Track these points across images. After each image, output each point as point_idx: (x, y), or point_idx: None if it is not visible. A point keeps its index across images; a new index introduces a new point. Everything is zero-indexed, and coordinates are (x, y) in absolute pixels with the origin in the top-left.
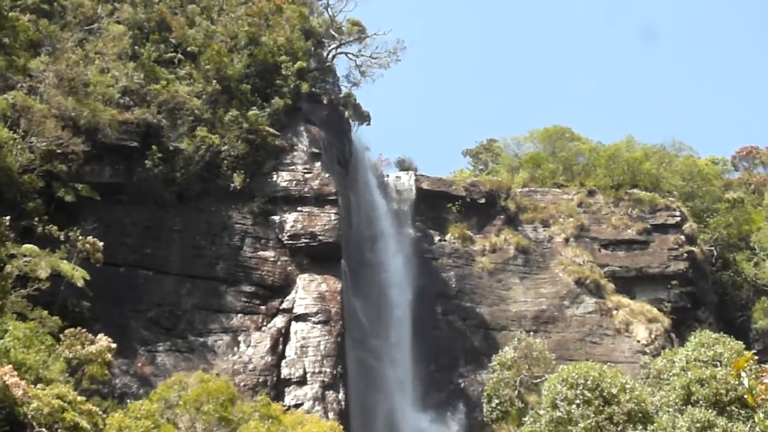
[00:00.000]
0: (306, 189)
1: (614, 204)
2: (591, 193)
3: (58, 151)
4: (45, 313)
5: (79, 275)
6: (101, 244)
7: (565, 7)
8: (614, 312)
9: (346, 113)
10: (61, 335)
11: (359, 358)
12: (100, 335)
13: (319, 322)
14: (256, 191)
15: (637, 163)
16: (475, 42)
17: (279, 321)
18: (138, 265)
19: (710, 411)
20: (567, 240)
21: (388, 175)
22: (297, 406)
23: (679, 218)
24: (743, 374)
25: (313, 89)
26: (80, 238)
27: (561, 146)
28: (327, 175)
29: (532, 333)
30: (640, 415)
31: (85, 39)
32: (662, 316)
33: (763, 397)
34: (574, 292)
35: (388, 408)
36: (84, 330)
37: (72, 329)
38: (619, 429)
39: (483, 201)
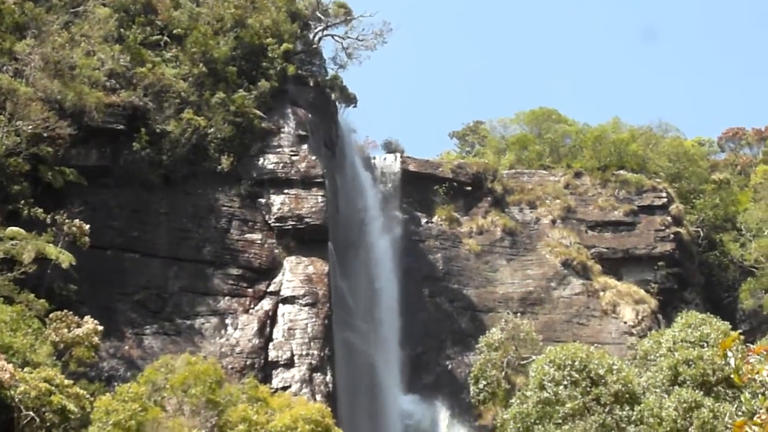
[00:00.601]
0: (293, 171)
1: (601, 185)
2: (577, 175)
3: (44, 134)
4: (32, 296)
5: (65, 258)
6: (88, 227)
7: None
8: (601, 293)
9: (333, 95)
10: (47, 318)
11: (346, 340)
12: (86, 318)
13: (306, 305)
14: (243, 174)
15: (623, 145)
16: (461, 24)
17: (266, 303)
18: (125, 248)
19: (697, 391)
20: (554, 222)
21: (374, 158)
22: (284, 388)
23: (665, 199)
24: (730, 354)
25: (300, 72)
26: (67, 221)
27: (547, 128)
28: (314, 157)
29: (519, 314)
30: (627, 395)
31: (70, 22)
32: (649, 297)
33: (750, 376)
34: (561, 274)
35: (376, 390)
36: (71, 313)
37: (58, 312)
38: (606, 410)
39: (470, 183)
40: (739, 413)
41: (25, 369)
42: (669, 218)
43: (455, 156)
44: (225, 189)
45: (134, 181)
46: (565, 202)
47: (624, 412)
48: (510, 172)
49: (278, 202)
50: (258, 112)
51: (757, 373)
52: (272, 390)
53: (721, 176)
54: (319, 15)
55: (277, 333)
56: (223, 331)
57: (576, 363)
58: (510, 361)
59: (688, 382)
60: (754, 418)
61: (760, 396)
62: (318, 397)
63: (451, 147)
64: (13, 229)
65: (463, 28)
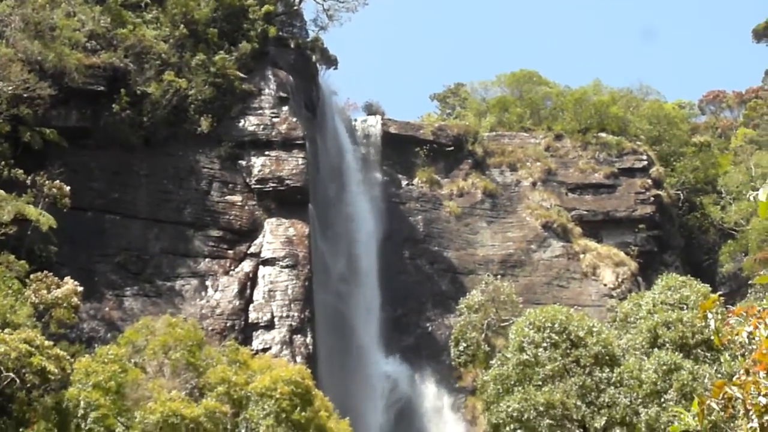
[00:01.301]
0: (273, 133)
1: (581, 148)
2: (558, 137)
3: (25, 95)
4: (12, 257)
5: (45, 220)
6: (68, 188)
7: None
8: (581, 256)
9: (314, 57)
10: (27, 280)
11: (327, 302)
12: (66, 279)
13: (286, 267)
14: (224, 135)
15: (604, 107)
16: None
17: (246, 265)
18: (105, 209)
19: (677, 353)
20: (534, 184)
21: (355, 120)
22: (265, 350)
23: (646, 162)
24: (709, 316)
25: (281, 33)
26: (47, 182)
27: (528, 90)
28: (294, 119)
29: (499, 277)
30: (606, 357)
31: None
32: (629, 259)
33: (729, 338)
34: (541, 236)
35: (356, 352)
36: (51, 274)
37: (39, 273)
38: (585, 372)
39: (450, 145)
40: (719, 375)
41: (5, 330)
42: (649, 181)
43: (436, 118)
44: (206, 151)
45: (115, 142)
46: (545, 165)
47: (603, 374)
48: (491, 135)
49: (259, 163)
50: (239, 74)
51: (737, 334)
52: (252, 352)
53: (702, 139)
54: None
55: (258, 295)
56: (203, 293)
57: (556, 325)
58: (490, 324)
59: (667, 345)
60: (734, 379)
61: (739, 357)
62: (298, 358)
63: (432, 109)
64: None
65: None
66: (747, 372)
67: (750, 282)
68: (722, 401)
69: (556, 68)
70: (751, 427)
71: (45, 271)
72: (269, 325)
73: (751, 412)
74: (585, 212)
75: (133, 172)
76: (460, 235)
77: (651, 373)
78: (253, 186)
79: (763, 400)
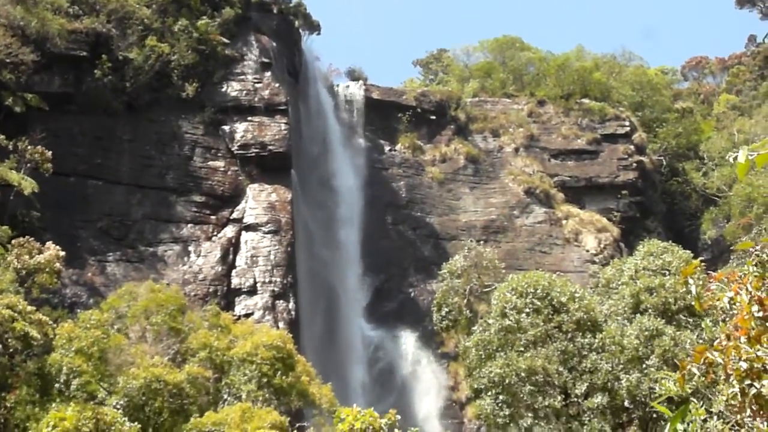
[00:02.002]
0: (256, 99)
1: (564, 114)
2: (541, 103)
3: (7, 60)
4: None
5: (28, 185)
6: (50, 153)
7: None
8: (564, 221)
9: (296, 23)
10: (9, 245)
11: (309, 268)
12: (49, 244)
13: (269, 232)
14: (206, 101)
15: (587, 73)
16: None
17: (229, 231)
18: (88, 174)
19: (658, 319)
20: (517, 150)
21: (338, 85)
22: (247, 315)
23: (628, 128)
24: (691, 282)
25: None
26: (29, 147)
27: (511, 56)
28: (277, 84)
29: (481, 242)
30: (588, 323)
31: None
32: (611, 225)
33: (710, 304)
34: (523, 202)
35: (338, 317)
36: (33, 239)
37: (21, 239)
38: (567, 337)
39: (433, 111)
40: (701, 340)
41: None
42: (632, 147)
43: (419, 84)
44: (188, 116)
45: (97, 108)
46: (528, 131)
47: (586, 340)
48: (473, 101)
49: (241, 129)
50: (221, 39)
51: (718, 300)
52: (235, 317)
53: (684, 105)
54: None
55: (240, 260)
56: (185, 258)
57: (538, 291)
58: (472, 289)
59: (649, 310)
60: (715, 344)
61: (720, 323)
62: (280, 324)
63: (415, 75)
64: None
65: None
66: (728, 337)
67: (732, 248)
68: (703, 366)
69: (539, 34)
70: (731, 393)
71: (27, 237)
72: (252, 291)
73: (731, 378)
74: (567, 178)
75: (115, 137)
76: (443, 201)
77: (633, 339)
78: (235, 151)
79: (743, 365)
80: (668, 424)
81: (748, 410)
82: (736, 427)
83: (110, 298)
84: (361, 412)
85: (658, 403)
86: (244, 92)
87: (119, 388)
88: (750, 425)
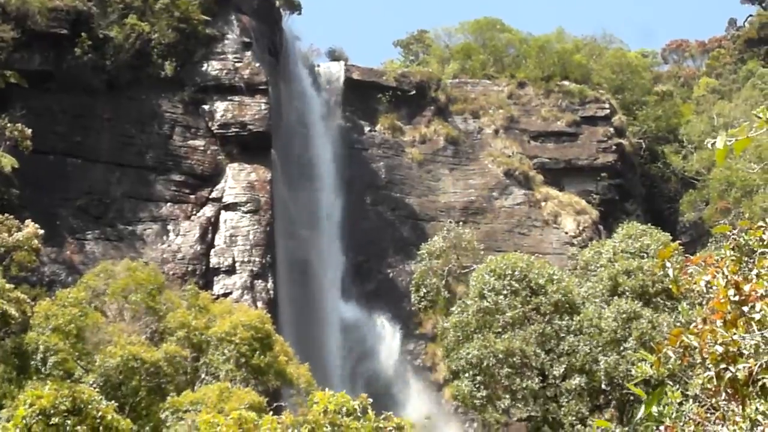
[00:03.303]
0: (236, 78)
1: (544, 96)
2: (521, 85)
3: None
4: None
5: (7, 162)
6: (30, 131)
7: None
8: (543, 203)
9: (277, 2)
10: None
11: (288, 247)
12: (27, 222)
13: (248, 212)
14: (187, 80)
15: (567, 55)
16: None
17: (208, 210)
18: (67, 153)
19: (636, 302)
20: (497, 131)
21: (318, 65)
22: (226, 295)
23: (608, 110)
24: (668, 264)
25: None
26: (9, 125)
27: (491, 38)
28: (257, 64)
29: (461, 223)
30: (566, 305)
31: None
32: (590, 207)
33: (688, 287)
34: (503, 184)
35: (317, 298)
36: (12, 217)
37: None
38: (545, 319)
39: (413, 92)
40: (678, 323)
41: None
42: (611, 129)
43: (399, 65)
44: (168, 95)
45: (77, 86)
46: (508, 112)
47: (563, 322)
48: (454, 82)
49: (221, 108)
50: (202, 18)
51: (695, 283)
52: (213, 296)
53: (664, 88)
54: None
55: (219, 240)
56: (164, 237)
57: (516, 272)
58: (451, 270)
59: (627, 293)
60: (691, 328)
61: (697, 306)
62: (259, 304)
63: (395, 56)
64: None
65: None
66: (704, 321)
67: (710, 231)
68: (679, 350)
69: (519, 16)
70: (707, 376)
71: (6, 214)
72: (230, 270)
73: (707, 361)
74: (547, 160)
75: (95, 115)
76: (422, 182)
77: (610, 322)
78: (215, 131)
79: (719, 349)
80: (643, 407)
81: (723, 394)
82: (712, 410)
83: (87, 276)
84: (334, 395)
85: (634, 385)
86: (225, 72)
87: (96, 366)
88: (725, 408)
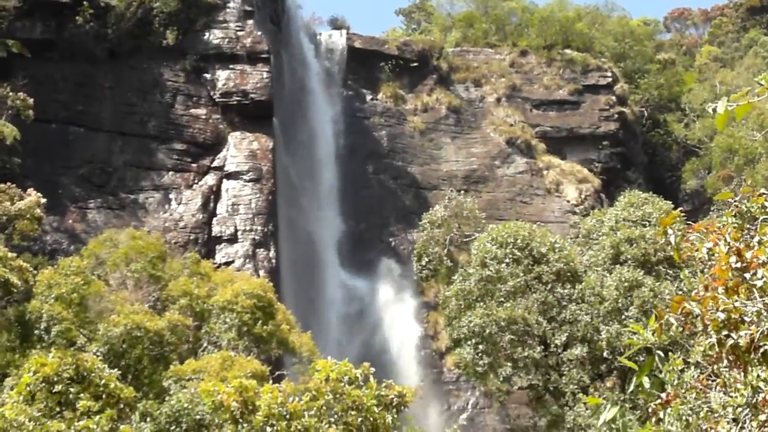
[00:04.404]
0: (238, 47)
1: (546, 64)
2: (523, 54)
3: None
4: None
5: (9, 131)
6: (32, 100)
7: None
8: (545, 172)
9: None
10: None
11: (290, 216)
12: (30, 191)
13: (250, 180)
14: (188, 49)
15: (569, 24)
16: None
17: (210, 179)
18: (69, 121)
19: (638, 270)
20: (499, 100)
21: (320, 34)
22: (228, 263)
23: (610, 79)
24: (670, 232)
25: None
26: (11, 94)
27: (494, 6)
28: (259, 33)
29: (462, 192)
30: (568, 274)
31: None
32: (592, 176)
33: (689, 254)
34: (505, 152)
35: (319, 266)
36: (14, 186)
37: (1, 185)
38: (547, 288)
39: (415, 60)
40: (680, 292)
41: None
42: (613, 98)
43: (401, 33)
44: (170, 64)
45: (79, 54)
46: (510, 81)
47: (565, 291)
48: (456, 50)
49: (223, 77)
50: None
51: (697, 250)
52: (215, 265)
53: (666, 56)
54: None
55: (221, 208)
56: (166, 206)
57: (518, 241)
58: (453, 239)
59: (629, 261)
60: (692, 295)
61: (699, 273)
62: (261, 272)
63: (398, 24)
64: None
65: None
66: (706, 288)
67: (712, 199)
68: (681, 317)
69: None
70: (709, 343)
71: (8, 183)
72: (232, 239)
73: (709, 328)
74: (549, 129)
75: (97, 84)
76: (424, 151)
77: (612, 290)
78: (217, 99)
79: (721, 316)
80: (635, 377)
81: (725, 361)
82: (713, 378)
83: (90, 244)
84: (336, 363)
85: (633, 353)
86: (226, 40)
87: (99, 335)
88: (726, 376)
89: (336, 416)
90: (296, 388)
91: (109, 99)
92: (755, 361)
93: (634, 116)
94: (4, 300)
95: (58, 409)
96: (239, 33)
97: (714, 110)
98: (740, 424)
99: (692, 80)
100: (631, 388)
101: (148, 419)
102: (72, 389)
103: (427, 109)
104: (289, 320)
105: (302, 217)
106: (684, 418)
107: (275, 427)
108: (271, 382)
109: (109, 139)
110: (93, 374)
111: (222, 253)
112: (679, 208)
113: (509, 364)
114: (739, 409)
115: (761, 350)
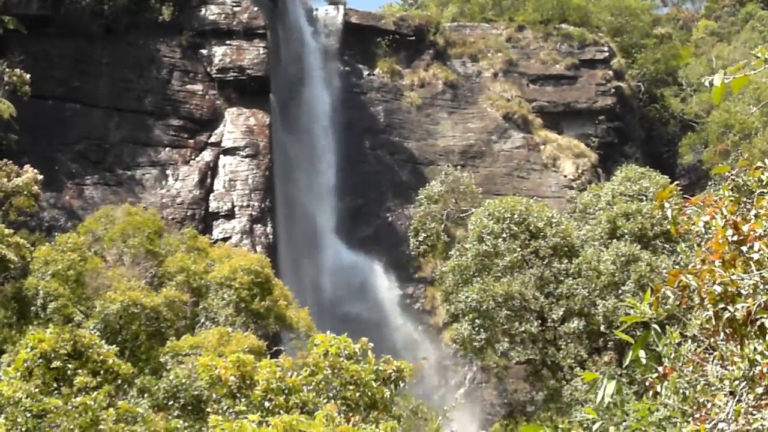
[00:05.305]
0: (235, 22)
1: (543, 39)
2: (520, 28)
3: None
4: None
5: (6, 108)
6: (28, 76)
7: None
8: (541, 147)
9: None
10: None
11: (287, 192)
12: (26, 167)
13: (247, 156)
14: (185, 24)
15: None
16: None
17: (207, 155)
18: (66, 98)
19: (635, 245)
20: (495, 75)
21: (317, 9)
22: (225, 239)
23: (607, 53)
24: (667, 205)
25: None
26: (7, 70)
27: None
28: (256, 8)
29: (459, 167)
30: (565, 248)
31: None
32: (589, 151)
33: (686, 228)
34: (501, 127)
35: (316, 242)
36: (11, 162)
37: None
38: (544, 263)
39: (412, 36)
40: (676, 266)
41: None
42: (610, 72)
43: (398, 8)
44: (166, 40)
45: (75, 30)
46: (506, 56)
47: (562, 265)
48: (452, 25)
49: (220, 53)
50: None
51: (693, 224)
52: (212, 241)
53: (663, 30)
54: None
55: (218, 184)
56: (163, 182)
57: (515, 216)
58: (450, 214)
59: (626, 236)
60: (689, 268)
61: (695, 247)
62: (258, 248)
63: None
64: None
65: None
66: (703, 261)
67: (709, 174)
68: (678, 290)
69: None
70: (706, 316)
71: (5, 159)
72: (229, 215)
73: (705, 301)
74: (546, 103)
75: (93, 60)
76: (421, 126)
77: (609, 265)
78: (214, 75)
79: (718, 289)
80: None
81: (722, 334)
82: (710, 351)
83: (87, 221)
84: (335, 338)
85: (630, 327)
86: (223, 16)
87: (96, 311)
88: (723, 349)
89: (334, 391)
90: (294, 363)
91: (105, 75)
92: (752, 334)
93: (631, 91)
94: (1, 276)
95: (55, 385)
96: (235, 9)
97: (711, 83)
98: (737, 397)
99: (689, 55)
100: (627, 361)
101: (146, 395)
102: (69, 365)
103: (424, 84)
104: (286, 296)
105: (299, 192)
106: (681, 391)
107: (273, 402)
108: (268, 357)
109: (105, 116)
110: (90, 350)
111: (219, 228)
112: (676, 183)
113: (506, 339)
114: (736, 382)
115: (758, 323)
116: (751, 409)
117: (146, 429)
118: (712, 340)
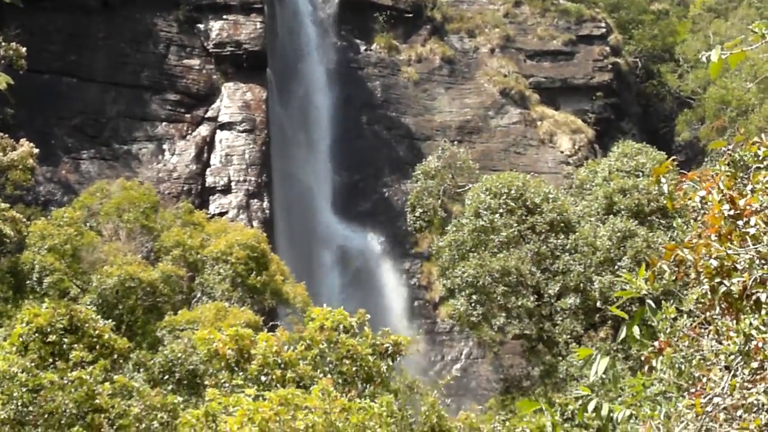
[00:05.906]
0: None
1: (540, 15)
2: (517, 4)
3: None
4: None
5: (2, 81)
6: (25, 50)
7: None
8: (538, 122)
9: None
10: None
11: (284, 167)
12: (22, 141)
13: (244, 131)
14: None
15: None
16: None
17: (204, 129)
18: (62, 72)
19: (631, 220)
20: (493, 50)
21: None
22: (221, 214)
23: (604, 29)
24: (663, 180)
25: None
26: (3, 44)
27: None
28: None
29: (456, 143)
30: (562, 224)
31: None
32: (586, 126)
33: (683, 203)
34: (498, 103)
35: (312, 217)
36: (6, 136)
37: None
38: (541, 238)
39: (409, 11)
40: (673, 242)
41: None
42: (607, 48)
43: None
44: (163, 14)
45: (72, 5)
46: (504, 31)
47: (559, 241)
48: (450, 1)
49: (217, 27)
50: None
51: (690, 199)
52: (209, 216)
53: (660, 6)
54: None
55: (215, 159)
56: (160, 157)
57: (512, 191)
58: (446, 190)
59: (622, 211)
60: (685, 242)
61: (692, 222)
62: (255, 223)
63: None
64: None
65: None
66: (699, 236)
67: (706, 150)
68: (674, 265)
69: None
70: (701, 290)
71: (1, 133)
72: (226, 190)
73: (701, 276)
74: (543, 79)
75: (90, 34)
76: (418, 101)
77: (605, 240)
78: (210, 50)
79: (714, 263)
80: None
81: (718, 308)
82: (705, 325)
83: (83, 195)
84: (331, 312)
85: (626, 302)
86: None
87: (92, 286)
88: (719, 324)
89: (331, 365)
90: (291, 337)
91: (102, 49)
92: (747, 308)
93: (628, 67)
94: None
95: (51, 359)
96: None
97: (708, 59)
98: (732, 372)
99: (686, 31)
100: (621, 337)
101: (142, 369)
102: (65, 340)
103: (421, 59)
104: (283, 271)
105: (296, 167)
106: (676, 366)
107: (270, 376)
108: (265, 332)
109: (102, 90)
110: (86, 325)
111: (216, 203)
112: (673, 158)
113: (502, 314)
114: (732, 357)
115: (753, 298)
116: (746, 384)
117: (142, 403)
118: (707, 314)
